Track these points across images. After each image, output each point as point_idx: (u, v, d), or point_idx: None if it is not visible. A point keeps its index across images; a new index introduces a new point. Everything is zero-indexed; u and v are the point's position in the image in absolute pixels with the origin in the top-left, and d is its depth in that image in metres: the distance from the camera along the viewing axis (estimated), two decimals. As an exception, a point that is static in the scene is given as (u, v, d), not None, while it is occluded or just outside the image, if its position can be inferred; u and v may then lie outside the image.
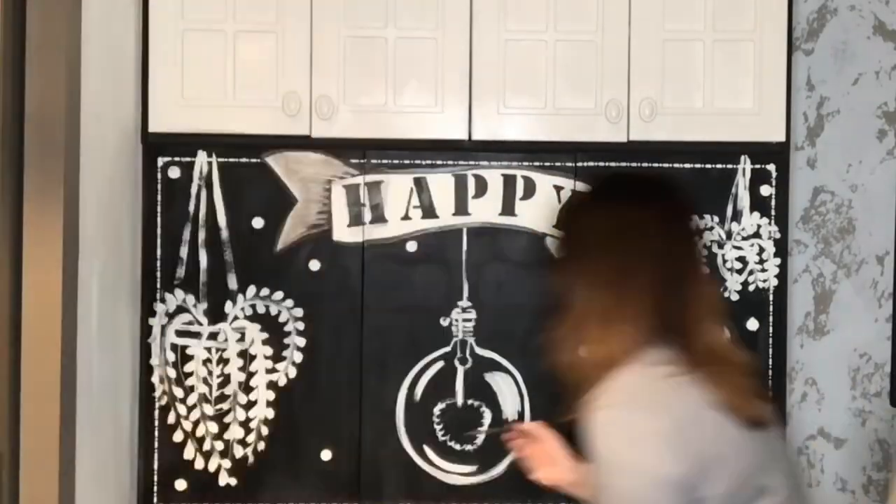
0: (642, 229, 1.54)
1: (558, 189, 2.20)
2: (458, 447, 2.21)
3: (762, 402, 1.53)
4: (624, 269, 1.53)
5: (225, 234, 2.18)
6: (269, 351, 2.19)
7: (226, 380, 2.19)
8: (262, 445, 2.19)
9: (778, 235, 2.22)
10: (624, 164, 2.20)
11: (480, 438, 2.20)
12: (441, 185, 2.20)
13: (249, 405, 2.19)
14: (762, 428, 1.49)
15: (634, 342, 1.50)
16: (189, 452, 2.18)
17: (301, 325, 2.19)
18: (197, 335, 2.19)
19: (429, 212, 2.20)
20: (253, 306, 2.19)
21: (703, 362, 1.50)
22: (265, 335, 2.19)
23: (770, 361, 2.21)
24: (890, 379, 2.29)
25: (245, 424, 2.19)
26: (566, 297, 1.57)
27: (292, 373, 2.19)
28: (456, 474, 2.21)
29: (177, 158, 2.18)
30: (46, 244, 2.13)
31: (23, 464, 2.13)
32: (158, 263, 2.18)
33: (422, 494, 2.20)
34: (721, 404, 1.46)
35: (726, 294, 2.21)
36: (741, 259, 2.22)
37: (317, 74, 2.16)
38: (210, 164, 2.18)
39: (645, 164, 2.20)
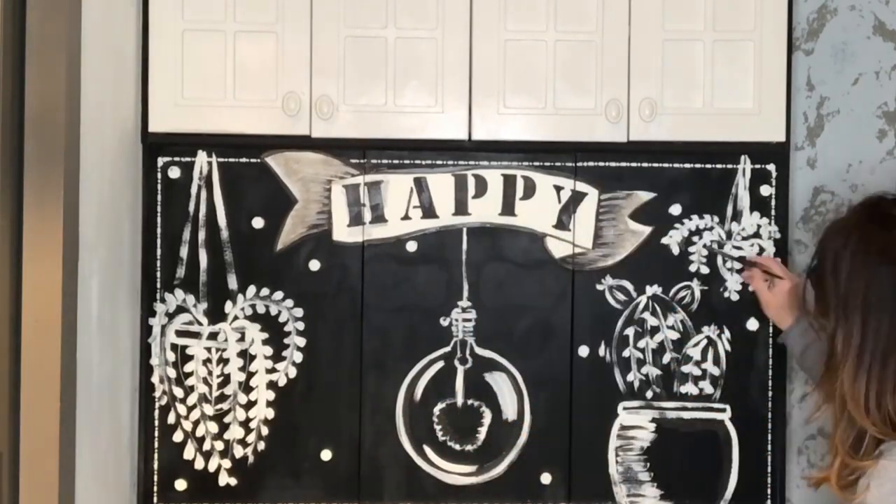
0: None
1: (558, 189, 2.20)
2: (458, 447, 2.21)
3: None
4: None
5: (225, 234, 2.18)
6: (269, 351, 2.19)
7: (226, 380, 2.19)
8: (262, 445, 2.19)
9: (778, 235, 2.22)
10: (624, 164, 2.20)
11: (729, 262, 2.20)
12: (441, 185, 2.20)
13: (249, 405, 2.19)
14: None
15: None
16: (189, 452, 2.18)
17: (301, 325, 2.19)
18: (197, 335, 2.19)
19: (429, 212, 2.20)
20: (253, 306, 2.19)
21: None
22: (265, 335, 2.19)
23: (770, 361, 2.21)
24: (890, 379, 2.30)
25: (245, 424, 2.19)
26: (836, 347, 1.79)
27: (292, 373, 2.19)
28: (456, 474, 2.21)
29: (177, 158, 2.18)
30: (46, 244, 2.14)
31: (23, 464, 2.14)
32: (158, 263, 2.18)
33: (422, 494, 2.20)
34: None
35: (726, 294, 2.21)
36: (741, 259, 2.22)
37: (317, 74, 2.16)
38: (210, 164, 2.18)
39: (645, 165, 2.20)
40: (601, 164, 2.20)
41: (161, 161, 2.18)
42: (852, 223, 1.83)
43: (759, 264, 2.16)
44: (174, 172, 2.18)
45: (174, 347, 2.18)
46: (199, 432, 2.19)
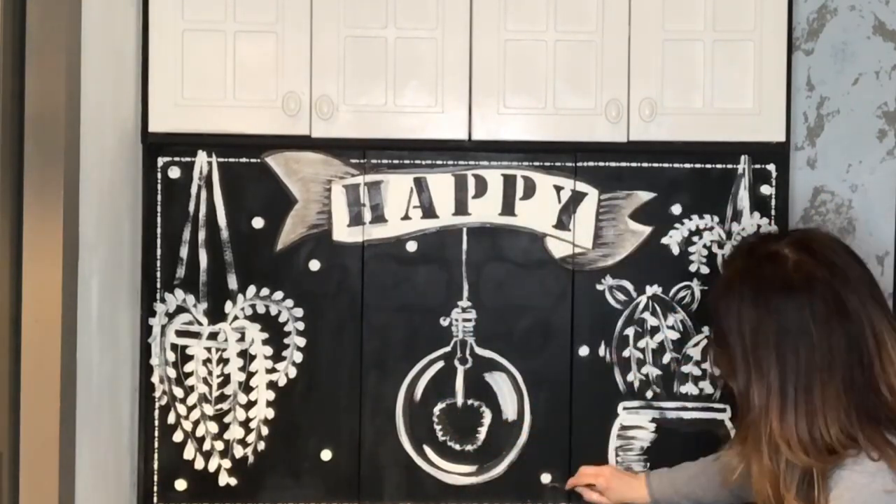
0: (805, 335, 1.69)
1: (558, 189, 2.20)
2: (458, 447, 2.21)
3: None
4: (796, 381, 1.69)
5: (225, 234, 2.18)
6: (269, 351, 2.19)
7: (226, 380, 2.19)
8: (262, 445, 2.19)
9: (778, 235, 2.22)
10: (624, 164, 2.20)
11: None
12: (441, 185, 2.20)
13: (249, 405, 2.19)
14: None
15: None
16: (189, 452, 2.18)
17: (301, 325, 2.19)
18: (197, 335, 2.19)
19: (429, 212, 2.20)
20: (253, 306, 2.19)
21: None
22: (265, 335, 2.19)
23: (770, 361, 2.21)
24: (890, 379, 2.29)
25: (245, 424, 2.19)
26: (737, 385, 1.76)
27: (292, 373, 2.19)
28: (456, 474, 2.21)
29: (177, 158, 2.18)
30: (46, 244, 2.14)
31: (23, 464, 2.14)
32: (158, 263, 2.18)
33: (422, 494, 2.20)
34: None
35: (726, 294, 2.21)
36: (741, 259, 2.22)
37: (317, 74, 2.16)
38: (210, 164, 2.18)
39: (645, 165, 2.20)
40: (601, 164, 2.20)
41: (161, 161, 2.18)
42: (739, 274, 1.79)
43: (575, 485, 2.17)
44: (174, 172, 2.18)
45: (174, 347, 2.18)
46: (199, 432, 2.19)
